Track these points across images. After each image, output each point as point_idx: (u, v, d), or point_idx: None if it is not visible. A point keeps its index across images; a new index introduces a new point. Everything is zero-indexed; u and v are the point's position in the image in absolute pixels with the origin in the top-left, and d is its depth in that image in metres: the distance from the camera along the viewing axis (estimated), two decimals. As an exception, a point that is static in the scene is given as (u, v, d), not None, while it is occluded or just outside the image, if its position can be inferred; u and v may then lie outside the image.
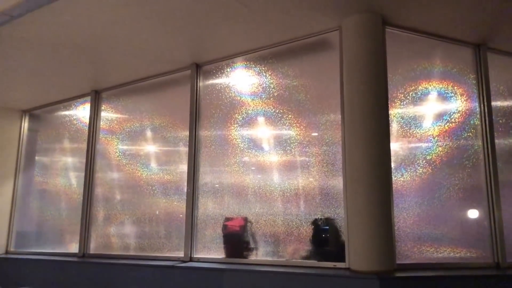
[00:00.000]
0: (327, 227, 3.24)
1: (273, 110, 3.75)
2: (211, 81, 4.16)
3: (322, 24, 3.40)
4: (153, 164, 4.46)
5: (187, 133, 4.11)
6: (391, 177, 3.15)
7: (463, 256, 3.34)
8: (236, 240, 3.67)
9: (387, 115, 3.21)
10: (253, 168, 3.79)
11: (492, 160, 3.47)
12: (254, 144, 3.80)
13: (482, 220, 3.41)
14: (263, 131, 3.79)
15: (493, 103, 3.68)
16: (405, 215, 3.24)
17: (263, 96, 3.82)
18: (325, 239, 3.23)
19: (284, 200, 3.55)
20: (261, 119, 3.83)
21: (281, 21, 3.34)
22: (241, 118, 3.90)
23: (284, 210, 3.52)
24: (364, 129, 3.07)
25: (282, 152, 3.66)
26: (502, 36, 3.57)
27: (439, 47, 3.61)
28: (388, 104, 3.25)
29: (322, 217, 3.30)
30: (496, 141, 3.60)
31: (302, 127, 3.59)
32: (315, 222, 3.31)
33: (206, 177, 4.00)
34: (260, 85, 3.85)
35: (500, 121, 3.75)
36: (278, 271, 3.18)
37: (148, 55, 4.00)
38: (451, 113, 3.56)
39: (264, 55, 3.84)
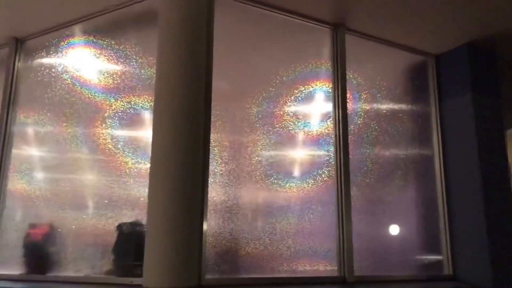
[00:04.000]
0: (132, 234, 2.57)
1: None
2: (37, 60, 3.44)
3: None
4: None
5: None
6: (207, 181, 2.54)
7: (307, 270, 2.79)
8: (38, 252, 2.93)
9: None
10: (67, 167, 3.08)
11: (344, 170, 3.00)
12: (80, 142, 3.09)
13: (331, 233, 2.90)
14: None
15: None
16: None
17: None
18: (128, 248, 2.56)
19: (94, 204, 2.86)
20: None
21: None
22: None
23: (96, 215, 2.83)
24: (172, 123, 2.43)
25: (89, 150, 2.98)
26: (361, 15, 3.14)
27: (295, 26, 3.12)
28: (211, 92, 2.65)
29: (128, 222, 2.63)
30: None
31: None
32: (119, 228, 2.64)
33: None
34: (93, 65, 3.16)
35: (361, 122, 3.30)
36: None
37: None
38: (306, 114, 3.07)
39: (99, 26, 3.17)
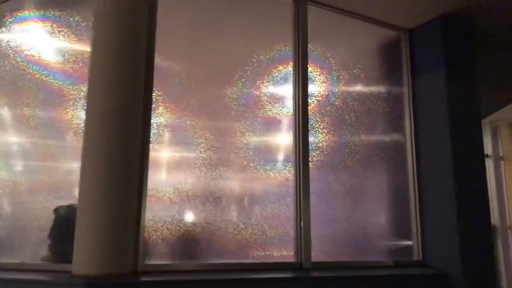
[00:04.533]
0: (69, 218, 2.39)
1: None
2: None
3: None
4: None
5: None
6: (147, 164, 2.35)
7: (261, 255, 2.62)
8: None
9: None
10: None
11: (303, 156, 2.82)
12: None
13: (290, 218, 2.74)
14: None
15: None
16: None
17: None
18: (65, 233, 2.38)
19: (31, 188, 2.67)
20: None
21: None
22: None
23: (33, 199, 2.64)
24: (107, 101, 2.23)
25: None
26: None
27: None
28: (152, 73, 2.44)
29: (65, 205, 2.45)
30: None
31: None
32: (56, 211, 2.46)
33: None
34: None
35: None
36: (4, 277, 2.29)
37: None
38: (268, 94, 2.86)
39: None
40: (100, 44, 2.30)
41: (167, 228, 2.39)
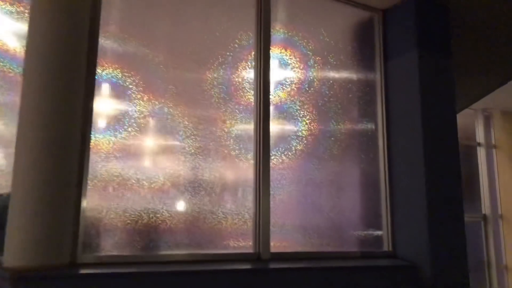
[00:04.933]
0: (4, 206, 2.26)
1: None
2: None
3: None
4: None
5: None
6: (87, 152, 2.23)
7: (219, 246, 2.51)
8: None
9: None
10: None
11: (264, 145, 2.69)
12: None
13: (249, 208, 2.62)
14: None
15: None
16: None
17: None
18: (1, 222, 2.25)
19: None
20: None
21: None
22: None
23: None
24: (43, 84, 2.09)
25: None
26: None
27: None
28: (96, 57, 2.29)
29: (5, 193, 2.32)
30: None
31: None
32: (-9, 200, 2.33)
33: None
34: None
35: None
36: None
37: None
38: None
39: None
40: (37, 26, 2.14)
41: (111, 218, 2.26)
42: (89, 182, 2.20)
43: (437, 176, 2.94)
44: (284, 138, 2.86)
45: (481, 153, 11.01)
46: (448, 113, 3.11)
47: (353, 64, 3.23)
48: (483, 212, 11.14)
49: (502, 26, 3.38)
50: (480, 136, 11.26)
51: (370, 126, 3.23)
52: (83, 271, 2.04)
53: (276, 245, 2.67)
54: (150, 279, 2.10)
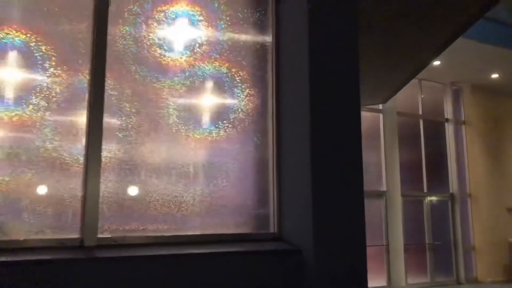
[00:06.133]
0: None
1: None
2: None
3: None
4: None
5: None
6: None
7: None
8: None
9: None
10: None
11: (94, 117, 2.31)
12: None
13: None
14: None
15: None
16: None
17: None
18: None
19: None
20: None
21: None
22: None
23: None
24: None
25: None
26: None
27: None
28: None
29: None
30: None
31: None
32: None
33: None
34: None
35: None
36: None
37: None
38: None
39: None
40: None
41: None
42: None
43: (326, 148, 2.49)
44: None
45: (449, 129, 10.54)
46: (346, 75, 2.61)
47: (243, 27, 2.78)
48: (451, 191, 10.73)
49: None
50: (448, 112, 10.77)
51: (262, 96, 2.77)
52: None
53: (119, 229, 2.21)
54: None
